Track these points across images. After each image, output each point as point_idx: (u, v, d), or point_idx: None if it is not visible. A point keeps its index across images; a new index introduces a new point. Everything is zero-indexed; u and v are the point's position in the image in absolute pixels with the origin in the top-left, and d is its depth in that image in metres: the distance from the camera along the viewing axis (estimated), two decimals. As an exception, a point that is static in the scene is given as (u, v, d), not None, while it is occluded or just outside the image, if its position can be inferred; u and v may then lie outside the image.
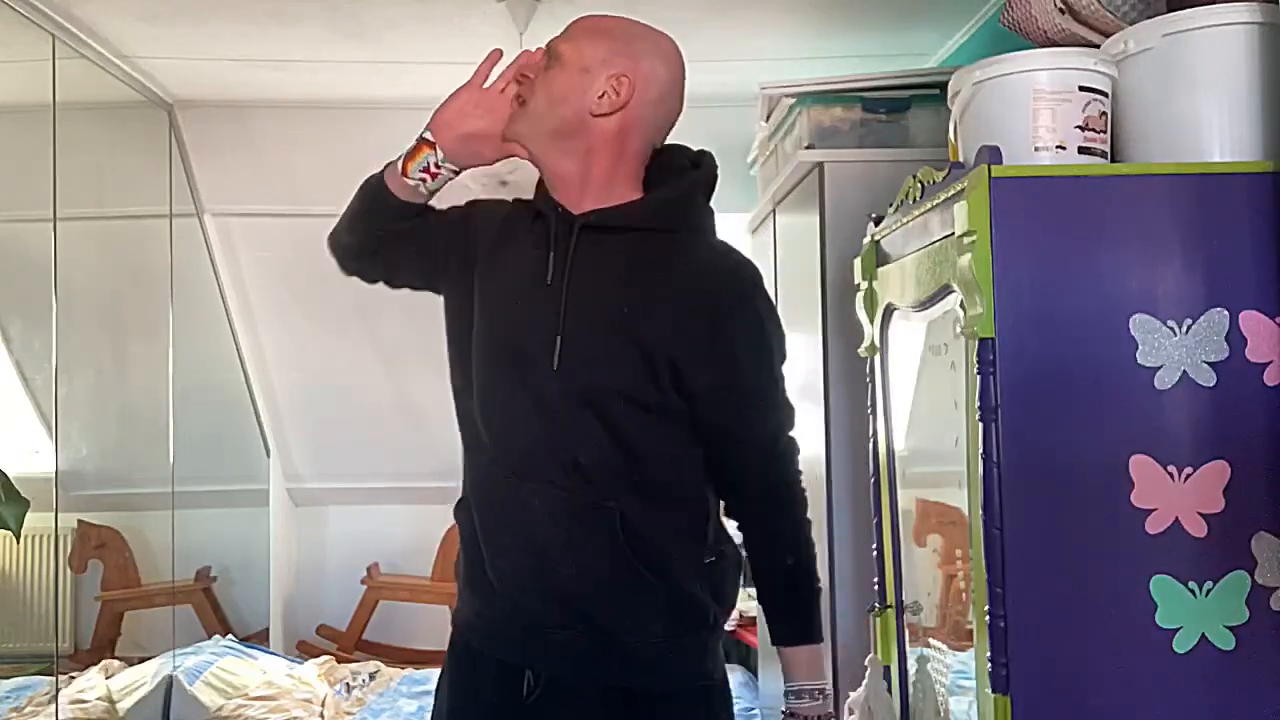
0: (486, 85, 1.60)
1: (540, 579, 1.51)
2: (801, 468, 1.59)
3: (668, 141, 1.62)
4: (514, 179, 3.23)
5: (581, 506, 1.48)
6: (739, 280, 1.55)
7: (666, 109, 1.57)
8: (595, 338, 1.49)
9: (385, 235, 1.64)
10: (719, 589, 1.55)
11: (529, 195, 1.64)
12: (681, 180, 1.57)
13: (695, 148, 1.63)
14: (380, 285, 1.74)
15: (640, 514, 1.48)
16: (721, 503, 1.59)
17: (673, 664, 1.51)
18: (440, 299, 1.68)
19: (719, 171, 1.61)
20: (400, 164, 1.59)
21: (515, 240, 1.60)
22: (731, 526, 1.62)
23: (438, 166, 1.58)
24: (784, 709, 1.56)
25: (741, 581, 1.64)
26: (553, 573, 1.50)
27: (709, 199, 1.60)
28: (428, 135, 1.58)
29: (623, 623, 1.49)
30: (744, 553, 1.61)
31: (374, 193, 1.62)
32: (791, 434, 1.58)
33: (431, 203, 1.66)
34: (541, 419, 1.50)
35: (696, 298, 1.50)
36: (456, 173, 1.61)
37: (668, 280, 1.50)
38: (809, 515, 1.59)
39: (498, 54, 1.61)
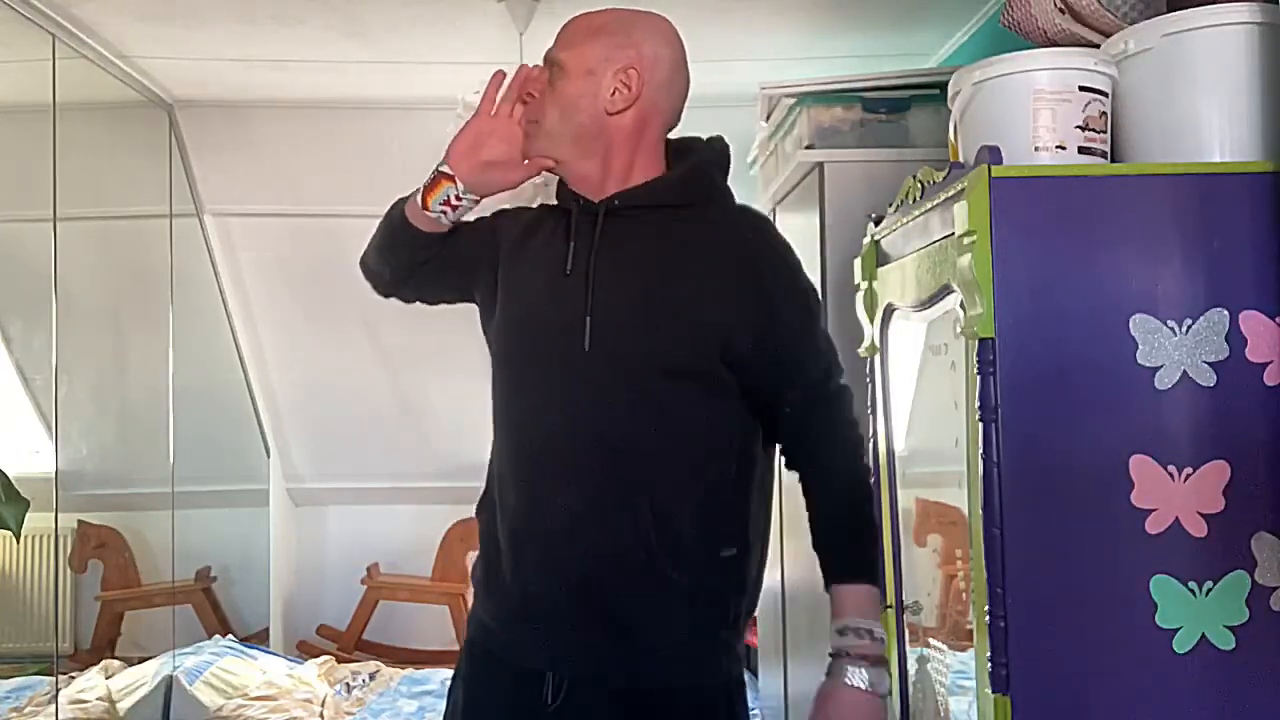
0: (493, 111, 1.59)
1: (562, 574, 1.49)
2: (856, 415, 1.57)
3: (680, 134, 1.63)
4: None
5: (612, 503, 1.47)
6: (768, 236, 1.57)
7: (677, 88, 1.58)
8: (627, 313, 1.49)
9: (414, 263, 1.64)
10: (742, 584, 1.53)
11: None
12: (695, 157, 1.59)
13: None
14: (416, 303, 1.75)
15: (667, 505, 1.46)
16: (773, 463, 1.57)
17: (695, 662, 1.50)
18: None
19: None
20: (420, 197, 1.58)
21: (538, 237, 1.61)
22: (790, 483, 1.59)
23: (458, 199, 1.57)
24: (831, 650, 1.48)
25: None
26: (576, 567, 1.48)
27: (726, 175, 1.62)
28: (445, 169, 1.57)
29: (645, 620, 1.48)
30: (803, 499, 1.56)
31: (397, 226, 1.62)
32: (843, 380, 1.56)
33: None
34: (575, 404, 1.49)
35: (730, 258, 1.51)
36: (477, 202, 1.60)
37: (698, 247, 1.51)
38: (866, 461, 1.57)
39: (501, 76, 1.61)
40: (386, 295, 1.73)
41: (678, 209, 1.55)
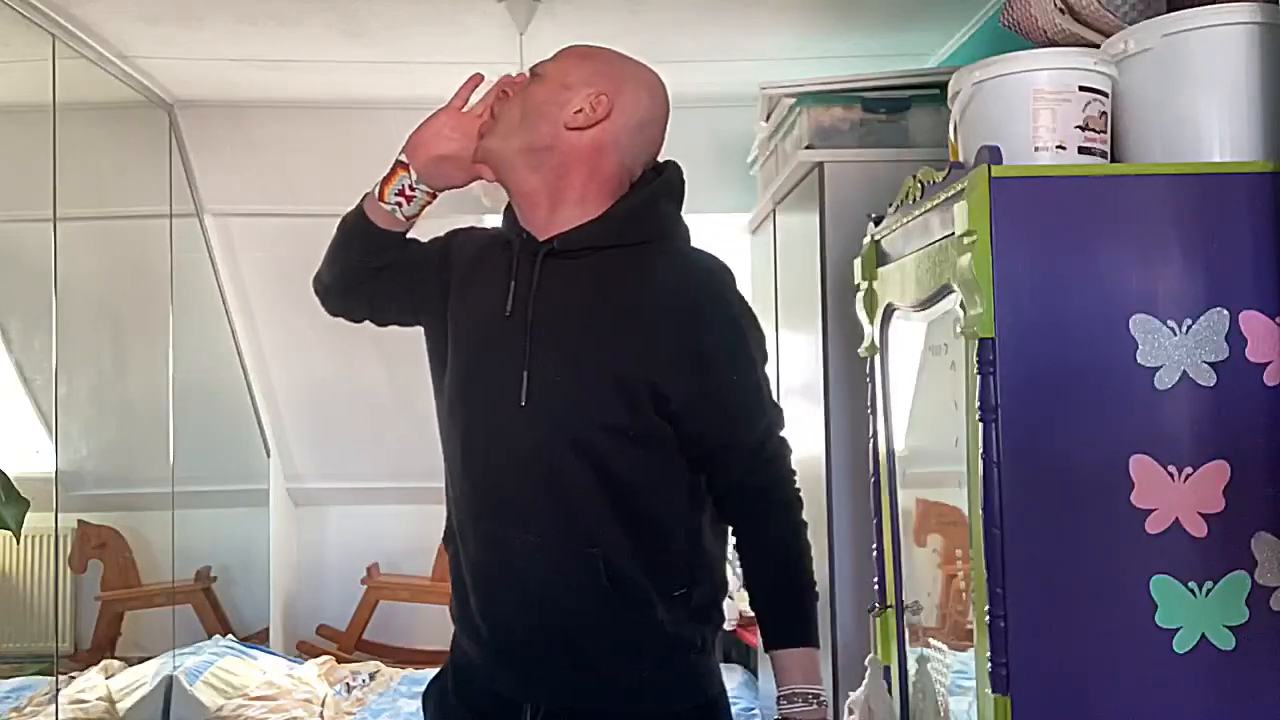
0: (466, 109, 1.58)
1: (526, 615, 1.50)
2: (795, 467, 1.56)
3: None
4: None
5: (564, 551, 1.47)
6: (709, 287, 1.51)
7: (646, 138, 1.54)
8: (565, 369, 1.46)
9: (367, 268, 1.62)
10: (703, 612, 1.53)
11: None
12: (643, 190, 1.55)
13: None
14: (366, 323, 1.73)
15: (619, 553, 1.46)
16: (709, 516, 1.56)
17: (668, 689, 1.51)
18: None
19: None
20: (377, 189, 1.58)
21: (486, 269, 1.57)
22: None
23: (412, 189, 1.56)
24: (777, 716, 1.52)
25: (738, 584, 1.63)
26: (537, 610, 1.49)
27: (678, 206, 1.57)
28: (402, 157, 1.56)
29: (611, 658, 1.49)
30: (736, 557, 1.57)
31: (353, 224, 1.60)
32: (781, 434, 1.55)
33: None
34: (518, 459, 1.48)
35: (668, 312, 1.47)
36: (432, 196, 1.58)
37: (637, 299, 1.47)
38: (804, 516, 1.55)
39: (479, 78, 1.60)
40: (335, 311, 1.71)
41: (623, 249, 1.50)
